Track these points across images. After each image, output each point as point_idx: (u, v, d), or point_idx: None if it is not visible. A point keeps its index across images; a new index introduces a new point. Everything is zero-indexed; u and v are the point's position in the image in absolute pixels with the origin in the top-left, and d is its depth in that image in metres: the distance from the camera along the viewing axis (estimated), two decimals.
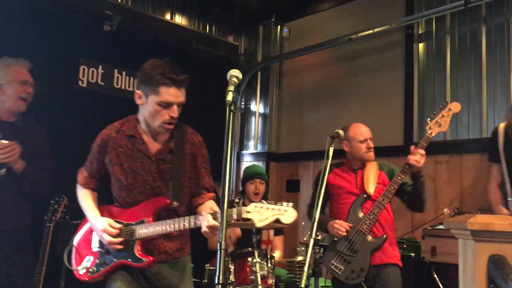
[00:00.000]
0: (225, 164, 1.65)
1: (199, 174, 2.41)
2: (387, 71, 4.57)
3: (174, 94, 2.25)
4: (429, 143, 2.94)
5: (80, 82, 4.35)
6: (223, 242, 1.57)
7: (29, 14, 4.02)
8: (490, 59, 3.86)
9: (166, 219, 2.20)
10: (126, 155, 2.29)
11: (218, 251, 1.57)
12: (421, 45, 4.33)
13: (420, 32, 4.35)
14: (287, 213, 1.96)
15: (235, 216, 2.07)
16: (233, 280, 3.19)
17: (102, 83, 4.46)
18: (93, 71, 4.43)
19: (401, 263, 3.10)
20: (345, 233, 2.99)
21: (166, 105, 2.23)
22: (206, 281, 3.55)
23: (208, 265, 3.62)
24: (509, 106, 2.89)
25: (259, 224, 2.01)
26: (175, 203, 2.23)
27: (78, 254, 2.37)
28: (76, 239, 2.42)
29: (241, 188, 4.19)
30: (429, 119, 2.96)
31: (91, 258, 2.31)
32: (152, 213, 2.24)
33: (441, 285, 3.28)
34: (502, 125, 2.83)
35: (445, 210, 3.54)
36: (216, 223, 2.03)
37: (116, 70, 4.58)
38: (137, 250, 2.21)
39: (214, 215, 2.07)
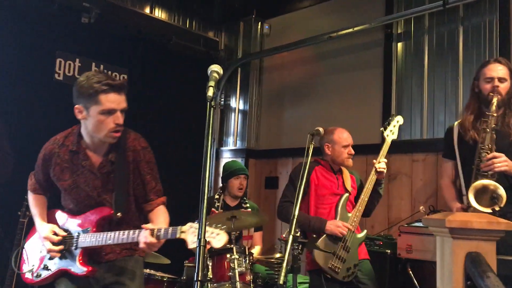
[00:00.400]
0: (205, 160, 1.63)
1: (144, 181, 2.37)
2: (366, 69, 4.61)
3: (115, 101, 2.19)
4: (407, 142, 3.10)
5: (56, 75, 4.27)
6: (202, 239, 1.56)
7: (4, 4, 3.92)
8: (466, 59, 3.92)
9: (116, 229, 2.21)
10: (70, 171, 2.28)
11: (198, 248, 1.56)
12: (399, 45, 4.38)
13: (399, 31, 4.39)
14: (218, 237, 1.94)
15: (168, 236, 2.07)
16: (211, 277, 3.19)
17: (79, 77, 4.37)
18: (70, 64, 4.35)
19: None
20: (346, 233, 3.07)
21: (109, 113, 2.17)
22: (184, 278, 3.54)
23: (186, 262, 3.60)
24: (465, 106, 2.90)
25: (191, 245, 1.99)
26: (119, 214, 2.23)
27: (26, 257, 2.38)
28: (28, 242, 2.43)
29: (221, 184, 4.18)
30: (383, 128, 3.37)
31: (37, 262, 2.33)
32: (95, 223, 2.24)
33: (416, 282, 3.33)
34: (456, 124, 2.87)
35: (421, 207, 3.60)
36: (154, 240, 2.06)
37: (93, 63, 4.51)
38: (79, 259, 2.22)
39: (152, 231, 2.08)
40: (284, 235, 2.97)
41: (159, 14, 5.13)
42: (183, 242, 2.05)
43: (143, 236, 2.08)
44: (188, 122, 5.13)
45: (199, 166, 1.67)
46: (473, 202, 2.33)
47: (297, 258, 2.46)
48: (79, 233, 2.26)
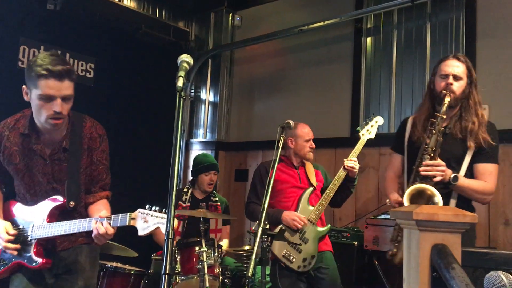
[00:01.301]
0: (174, 152, 1.61)
1: (96, 171, 2.32)
2: (336, 63, 4.64)
3: (54, 87, 2.08)
4: (375, 135, 3.14)
5: (20, 63, 4.12)
6: (170, 232, 1.54)
7: None
8: (433, 55, 4.00)
9: (68, 218, 2.17)
10: (21, 154, 2.22)
11: (165, 241, 1.54)
12: (369, 39, 4.43)
13: (368, 26, 4.44)
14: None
15: (118, 223, 2.06)
16: (180, 270, 3.16)
17: None
18: (34, 52, 4.20)
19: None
20: (302, 225, 3.10)
21: (48, 99, 2.09)
22: (152, 271, 3.50)
23: (154, 255, 3.56)
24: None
25: (141, 232, 2.00)
26: (71, 203, 2.20)
27: None
28: None
29: (190, 178, 4.14)
30: (359, 127, 3.34)
31: None
32: (49, 213, 2.20)
33: (382, 274, 3.40)
34: (411, 118, 2.71)
35: (387, 200, 3.67)
36: (111, 230, 2.05)
37: (59, 52, 4.36)
38: (33, 251, 2.18)
39: (103, 219, 2.07)
40: (253, 228, 2.98)
41: (128, 2, 5.02)
42: (150, 234, 2.03)
43: (96, 228, 2.06)
44: (157, 113, 5.06)
45: (168, 157, 1.65)
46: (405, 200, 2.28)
47: (266, 250, 2.47)
48: (33, 225, 2.21)
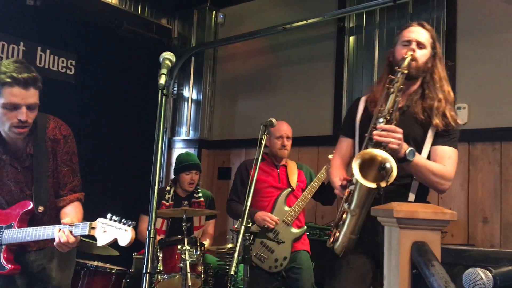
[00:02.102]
0: (156, 151, 1.60)
1: (61, 173, 2.27)
2: (319, 62, 4.66)
3: (19, 95, 2.03)
4: None
5: None
6: (152, 230, 1.53)
7: None
8: None
9: (40, 223, 2.15)
10: None
11: (147, 239, 1.53)
12: (351, 38, 4.45)
13: (351, 25, 4.46)
14: (126, 234, 1.93)
15: (79, 232, 2.03)
16: (162, 269, 3.15)
17: (24, 61, 4.17)
18: (13, 48, 4.13)
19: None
20: (273, 226, 3.11)
21: (12, 107, 2.04)
22: (133, 270, 3.47)
23: (135, 254, 3.54)
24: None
25: (100, 243, 1.98)
26: (40, 208, 2.16)
27: None
28: None
29: (173, 176, 4.12)
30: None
31: None
32: (18, 218, 2.17)
33: None
34: (363, 98, 2.37)
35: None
36: (72, 239, 2.02)
37: (39, 48, 4.31)
38: (3, 256, 2.15)
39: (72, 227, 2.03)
40: (236, 226, 2.98)
41: None
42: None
43: (58, 236, 2.02)
44: (139, 110, 5.01)
45: (150, 155, 1.63)
46: (357, 174, 1.88)
47: (248, 248, 2.47)
48: (3, 230, 2.18)
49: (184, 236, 3.14)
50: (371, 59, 4.29)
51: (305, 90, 4.71)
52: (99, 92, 4.71)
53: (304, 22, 4.53)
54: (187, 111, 5.57)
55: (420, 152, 2.13)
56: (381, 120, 2.03)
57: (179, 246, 3.10)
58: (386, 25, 4.24)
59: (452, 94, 2.24)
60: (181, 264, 3.03)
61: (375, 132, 1.99)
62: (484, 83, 3.70)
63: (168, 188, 3.93)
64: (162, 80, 1.67)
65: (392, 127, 2.00)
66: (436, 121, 2.13)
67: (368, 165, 1.92)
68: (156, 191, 1.55)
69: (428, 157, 2.17)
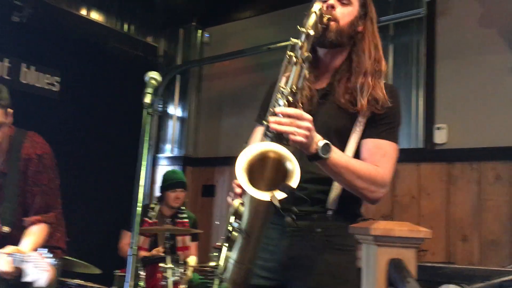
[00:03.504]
0: (139, 169, 1.62)
1: (30, 193, 2.22)
2: None
3: None
4: None
5: None
6: (134, 248, 1.54)
7: None
8: (396, 75, 4.13)
9: (9, 244, 2.09)
10: None
11: (129, 257, 1.54)
12: None
13: None
14: (46, 275, 1.86)
15: (15, 263, 1.94)
16: (144, 287, 3.13)
17: (8, 78, 4.17)
18: None
19: None
20: None
21: None
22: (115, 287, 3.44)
23: (118, 271, 3.51)
24: None
25: (27, 278, 1.89)
26: (5, 229, 2.13)
27: None
28: None
29: (158, 194, 4.10)
30: None
31: None
32: None
33: None
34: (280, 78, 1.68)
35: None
36: (8, 270, 1.92)
37: (24, 64, 4.31)
38: None
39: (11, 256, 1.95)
40: (218, 243, 2.98)
41: (96, 16, 5.00)
42: (113, 250, 2.01)
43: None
44: (124, 127, 5.01)
45: (134, 172, 1.65)
46: (242, 180, 1.31)
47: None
48: None
49: (166, 253, 3.14)
50: None
51: None
52: (84, 109, 4.71)
53: (289, 42, 4.60)
54: (172, 129, 5.59)
55: (344, 146, 1.56)
56: (281, 102, 1.42)
57: (161, 264, 3.10)
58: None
59: (384, 63, 1.67)
60: (163, 282, 3.03)
61: (272, 119, 1.38)
62: (463, 104, 3.80)
63: (152, 205, 3.92)
64: (147, 99, 1.71)
65: (297, 111, 1.38)
66: (362, 102, 1.55)
67: (260, 165, 1.36)
68: (140, 208, 1.56)
69: (357, 155, 1.58)
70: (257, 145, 1.37)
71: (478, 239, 3.56)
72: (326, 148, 1.41)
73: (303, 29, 1.48)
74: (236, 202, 1.40)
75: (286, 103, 1.40)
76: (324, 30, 1.53)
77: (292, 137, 1.35)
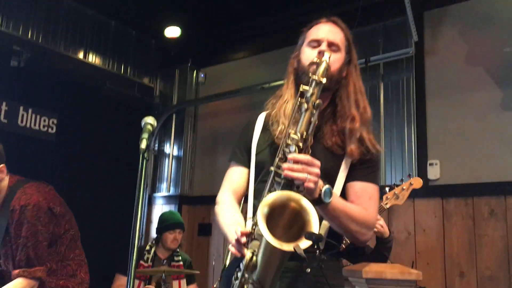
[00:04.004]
0: (136, 212, 1.63)
1: (14, 245, 2.20)
2: None
3: None
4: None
5: None
6: None
7: None
8: (387, 113, 4.22)
9: None
10: None
11: None
12: None
13: None
14: None
15: None
16: None
17: (5, 121, 4.22)
18: None
19: None
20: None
21: None
22: None
23: None
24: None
25: None
26: None
27: None
28: None
29: (155, 235, 4.07)
30: (388, 187, 2.88)
31: None
32: None
33: None
34: (262, 115, 1.91)
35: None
36: None
37: (21, 107, 4.37)
38: None
39: None
40: (215, 286, 2.96)
41: (93, 59, 5.11)
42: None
43: None
44: (120, 168, 5.04)
45: (129, 213, 1.66)
46: (265, 233, 1.30)
47: None
48: None
49: None
50: None
51: None
52: (80, 151, 4.75)
53: (281, 82, 4.66)
54: (168, 168, 5.62)
55: (332, 187, 1.55)
56: (292, 148, 1.45)
57: None
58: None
59: (369, 110, 1.75)
60: None
61: (286, 166, 1.41)
62: (454, 140, 3.86)
63: (148, 247, 3.89)
64: (143, 144, 1.72)
65: (308, 158, 1.43)
66: (351, 147, 1.63)
67: (278, 215, 1.37)
68: (135, 254, 1.57)
69: (343, 196, 1.63)
70: (276, 194, 1.38)
71: (475, 275, 3.56)
72: (328, 193, 1.45)
73: (315, 77, 1.51)
74: (248, 253, 1.36)
75: (297, 149, 1.44)
76: (325, 75, 1.56)
77: (305, 184, 1.38)
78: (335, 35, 1.72)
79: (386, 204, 2.84)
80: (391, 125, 4.18)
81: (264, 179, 1.64)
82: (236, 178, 1.81)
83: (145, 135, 1.78)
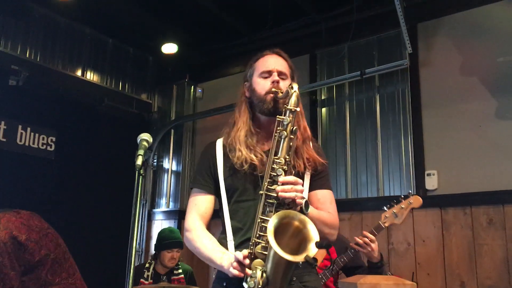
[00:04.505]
0: (132, 229, 1.65)
1: None
2: None
3: None
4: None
5: None
6: None
7: None
8: (383, 124, 4.25)
9: None
10: None
11: None
12: (323, 110, 4.67)
13: (322, 98, 4.70)
14: None
15: None
16: None
17: (4, 139, 4.24)
18: None
19: None
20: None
21: None
22: None
23: None
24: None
25: None
26: None
27: None
28: None
29: (153, 252, 4.05)
30: (387, 206, 2.89)
31: None
32: None
33: None
34: (219, 141, 2.04)
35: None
36: None
37: (20, 126, 4.39)
38: None
39: None
40: None
41: (91, 76, 5.15)
42: None
43: None
44: (119, 185, 5.04)
45: (128, 230, 1.67)
46: (278, 250, 1.46)
47: None
48: None
49: None
50: (343, 128, 4.47)
51: None
52: (79, 168, 4.76)
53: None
54: (167, 183, 5.63)
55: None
56: (279, 171, 1.66)
57: None
58: (355, 97, 4.47)
59: (308, 130, 1.96)
60: None
61: (279, 188, 1.62)
62: (451, 150, 3.88)
63: (147, 265, 3.87)
64: (139, 161, 1.74)
65: (293, 178, 1.66)
66: (299, 163, 1.84)
67: (280, 232, 1.55)
68: (132, 270, 1.58)
69: None
70: (280, 214, 1.57)
71: (475, 285, 3.54)
72: (306, 204, 1.68)
73: (290, 107, 1.72)
74: (259, 272, 1.53)
75: (283, 172, 1.66)
76: (297, 105, 1.75)
77: (297, 200, 1.62)
78: (281, 65, 1.94)
79: (384, 223, 2.84)
80: (387, 136, 4.21)
81: (238, 199, 1.84)
82: (202, 203, 1.94)
83: (140, 152, 1.80)
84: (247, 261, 1.58)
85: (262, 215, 1.64)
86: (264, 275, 1.51)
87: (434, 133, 3.98)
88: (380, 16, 4.38)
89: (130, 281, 1.53)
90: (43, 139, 4.51)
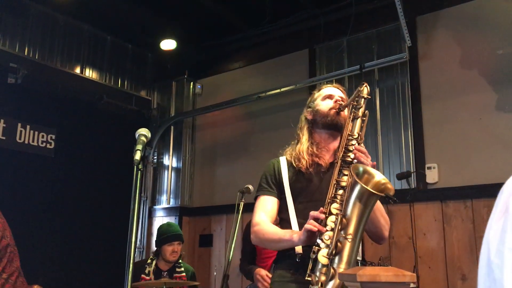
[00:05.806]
0: (131, 224, 1.64)
1: None
2: (293, 128, 4.81)
3: None
4: None
5: None
6: None
7: None
8: (383, 117, 4.24)
9: None
10: None
11: None
12: None
13: None
14: None
15: None
16: None
17: (4, 137, 4.24)
18: None
19: None
20: (266, 286, 3.09)
21: None
22: None
23: None
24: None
25: None
26: None
27: None
28: None
29: (154, 248, 4.05)
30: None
31: None
32: None
33: None
34: (283, 159, 2.22)
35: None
36: None
37: (19, 124, 4.39)
38: None
39: None
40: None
41: (90, 74, 5.14)
42: None
43: None
44: (119, 182, 5.04)
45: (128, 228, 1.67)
46: (358, 180, 1.65)
47: None
48: None
49: None
50: None
51: (281, 154, 4.82)
52: (78, 165, 4.76)
53: (278, 90, 4.75)
54: (167, 179, 5.62)
55: None
56: (353, 142, 1.87)
57: None
58: (354, 91, 4.45)
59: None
60: None
61: (356, 147, 1.84)
62: (451, 143, 3.87)
63: (149, 261, 3.86)
64: (137, 156, 1.75)
65: (364, 149, 1.85)
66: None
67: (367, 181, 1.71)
68: (131, 267, 1.57)
69: None
70: (368, 168, 1.73)
71: (477, 278, 3.53)
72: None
73: (363, 95, 2.02)
74: (334, 217, 1.70)
75: (356, 143, 1.88)
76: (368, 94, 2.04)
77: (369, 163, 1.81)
78: (341, 93, 2.16)
79: None
80: (387, 129, 4.20)
81: (303, 200, 1.97)
82: (268, 205, 2.06)
83: (139, 147, 1.80)
84: (322, 216, 1.72)
85: (337, 178, 1.81)
86: (344, 220, 1.64)
87: (434, 126, 3.98)
88: (379, 9, 4.36)
89: (130, 276, 1.53)
90: (42, 136, 4.51)
